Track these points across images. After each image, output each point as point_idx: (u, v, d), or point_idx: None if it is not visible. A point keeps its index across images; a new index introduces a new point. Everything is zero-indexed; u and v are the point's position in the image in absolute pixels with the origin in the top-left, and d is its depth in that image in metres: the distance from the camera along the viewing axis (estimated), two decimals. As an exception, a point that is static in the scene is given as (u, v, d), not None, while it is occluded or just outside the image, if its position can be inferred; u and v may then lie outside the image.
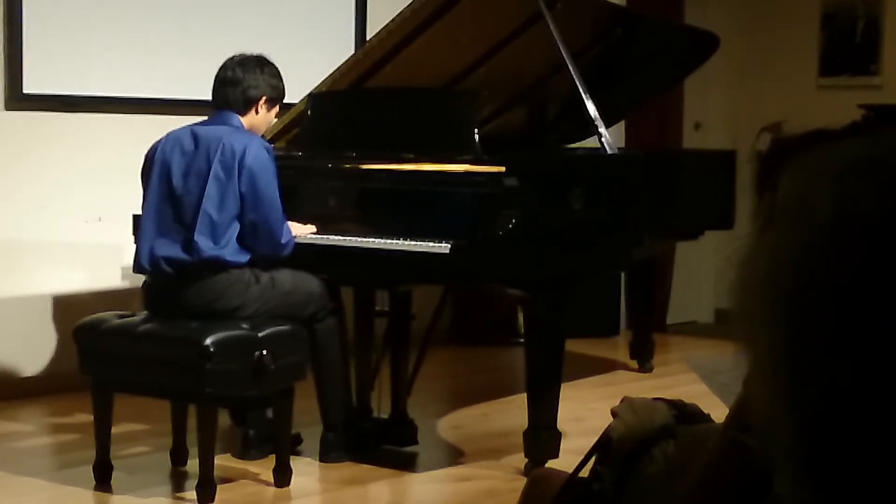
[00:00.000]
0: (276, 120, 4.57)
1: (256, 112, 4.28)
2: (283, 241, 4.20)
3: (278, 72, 4.37)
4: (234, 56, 4.35)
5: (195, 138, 4.19)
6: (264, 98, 4.28)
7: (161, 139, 4.29)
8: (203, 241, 4.09)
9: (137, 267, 4.25)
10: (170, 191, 4.18)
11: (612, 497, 1.76)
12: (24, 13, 5.42)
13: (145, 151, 4.32)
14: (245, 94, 4.25)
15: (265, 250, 4.19)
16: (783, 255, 0.74)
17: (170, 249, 4.13)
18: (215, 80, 4.31)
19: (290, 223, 4.27)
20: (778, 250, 0.75)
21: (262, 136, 4.39)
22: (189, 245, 4.10)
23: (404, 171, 4.42)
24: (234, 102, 4.25)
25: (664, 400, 1.86)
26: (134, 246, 4.32)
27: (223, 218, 4.11)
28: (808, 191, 0.75)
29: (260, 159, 4.12)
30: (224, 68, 4.31)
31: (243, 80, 4.26)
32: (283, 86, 4.37)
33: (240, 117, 4.25)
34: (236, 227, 4.13)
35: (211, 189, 4.10)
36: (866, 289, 0.70)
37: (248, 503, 4.10)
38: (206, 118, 4.34)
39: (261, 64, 4.32)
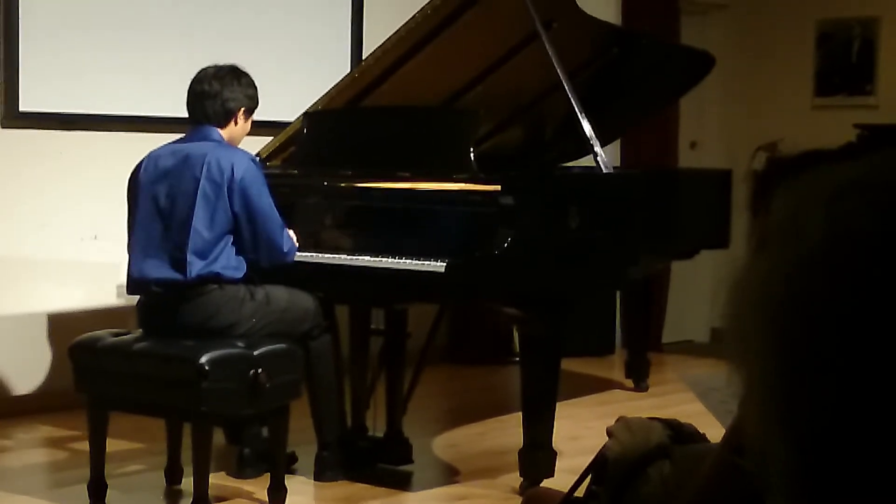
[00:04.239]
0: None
1: (235, 123, 4.27)
2: (286, 248, 4.21)
3: (253, 81, 4.36)
4: (207, 68, 4.32)
5: (178, 157, 4.17)
6: (242, 109, 4.28)
7: (143, 160, 4.27)
8: (195, 260, 4.09)
9: (129, 288, 4.26)
10: (157, 212, 4.17)
11: (607, 517, 1.75)
12: (21, 31, 5.43)
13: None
14: (224, 106, 4.24)
15: (269, 260, 4.19)
16: (775, 277, 0.74)
17: (160, 271, 4.12)
18: (190, 94, 4.28)
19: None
20: (770, 272, 0.75)
21: (257, 155, 4.38)
22: (180, 264, 4.09)
23: (400, 190, 4.42)
24: (214, 116, 4.24)
25: (660, 419, 1.86)
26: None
27: (213, 235, 4.11)
28: (801, 213, 0.75)
29: (249, 174, 4.12)
30: (199, 81, 4.28)
31: (221, 92, 4.24)
32: (258, 94, 4.36)
33: (219, 130, 4.24)
34: (227, 241, 4.13)
35: (200, 209, 4.09)
36: (858, 311, 0.70)
37: (243, 522, 4.10)
38: (184, 135, 4.32)
39: (237, 75, 4.30)
